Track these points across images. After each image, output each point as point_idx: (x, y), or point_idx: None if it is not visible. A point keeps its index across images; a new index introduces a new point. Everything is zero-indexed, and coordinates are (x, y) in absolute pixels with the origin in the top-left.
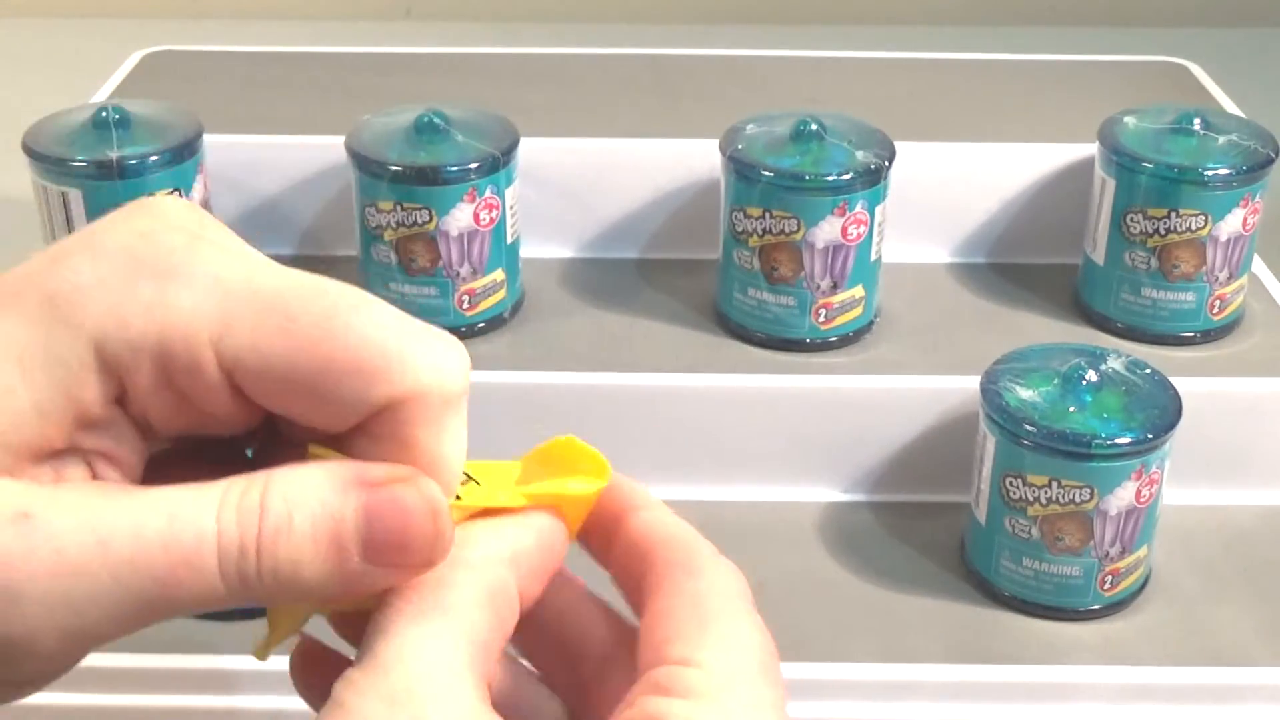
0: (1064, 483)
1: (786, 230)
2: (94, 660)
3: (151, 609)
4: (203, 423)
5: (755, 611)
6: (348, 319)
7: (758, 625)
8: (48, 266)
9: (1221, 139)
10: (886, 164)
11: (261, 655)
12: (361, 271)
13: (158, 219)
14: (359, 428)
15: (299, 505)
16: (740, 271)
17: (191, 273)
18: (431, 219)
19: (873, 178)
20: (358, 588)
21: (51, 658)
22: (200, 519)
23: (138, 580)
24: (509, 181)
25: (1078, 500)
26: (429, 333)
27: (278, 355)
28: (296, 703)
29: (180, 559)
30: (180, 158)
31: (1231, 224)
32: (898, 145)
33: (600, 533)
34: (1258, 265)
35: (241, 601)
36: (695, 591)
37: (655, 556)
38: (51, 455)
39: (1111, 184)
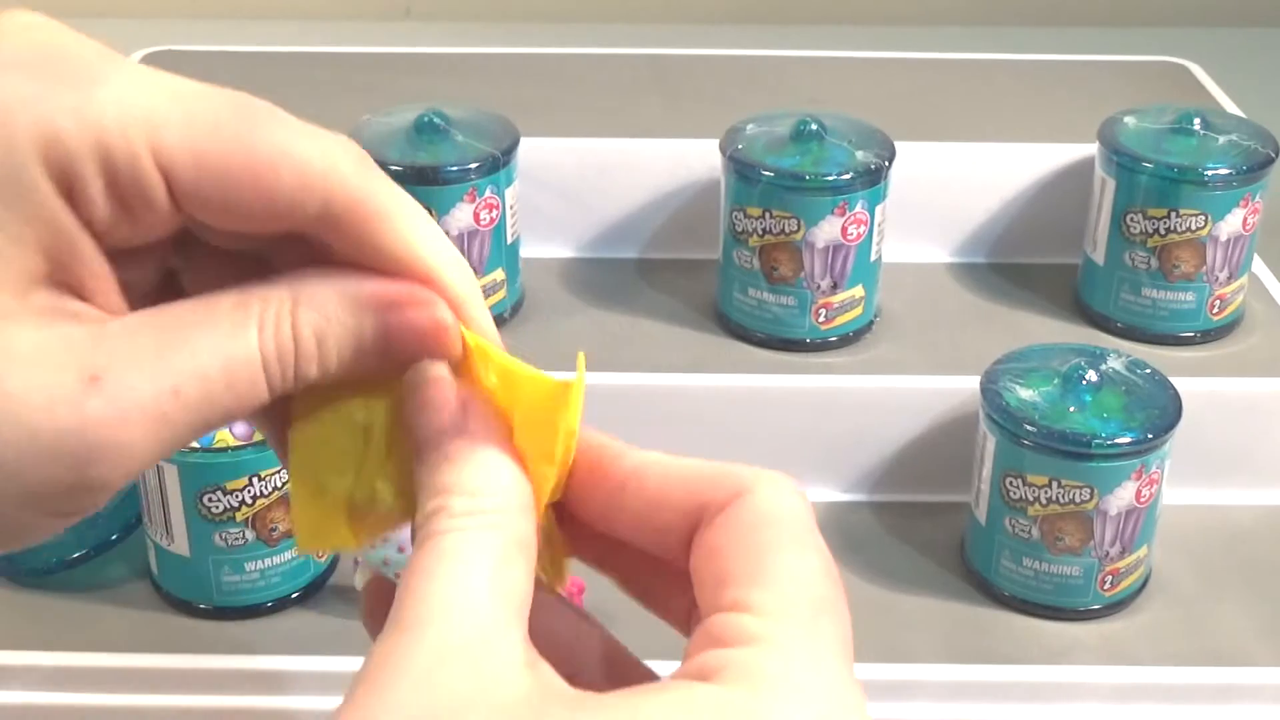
0: (1064, 483)
1: (786, 230)
2: (94, 660)
3: (212, 427)
4: (156, 246)
5: (815, 532)
6: (270, 124)
7: (817, 550)
8: None
9: (1221, 139)
10: (886, 164)
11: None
12: None
13: (50, 31)
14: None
15: (325, 335)
16: (740, 271)
17: (112, 78)
18: (432, 219)
19: (873, 178)
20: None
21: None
22: (250, 357)
23: (207, 415)
24: (509, 181)
25: (1078, 500)
26: (331, 137)
27: (212, 154)
28: (297, 702)
29: (243, 393)
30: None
31: (1231, 224)
32: (898, 145)
33: (601, 493)
34: (1258, 265)
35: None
36: (745, 522)
37: (703, 489)
38: (39, 285)
39: (1111, 184)
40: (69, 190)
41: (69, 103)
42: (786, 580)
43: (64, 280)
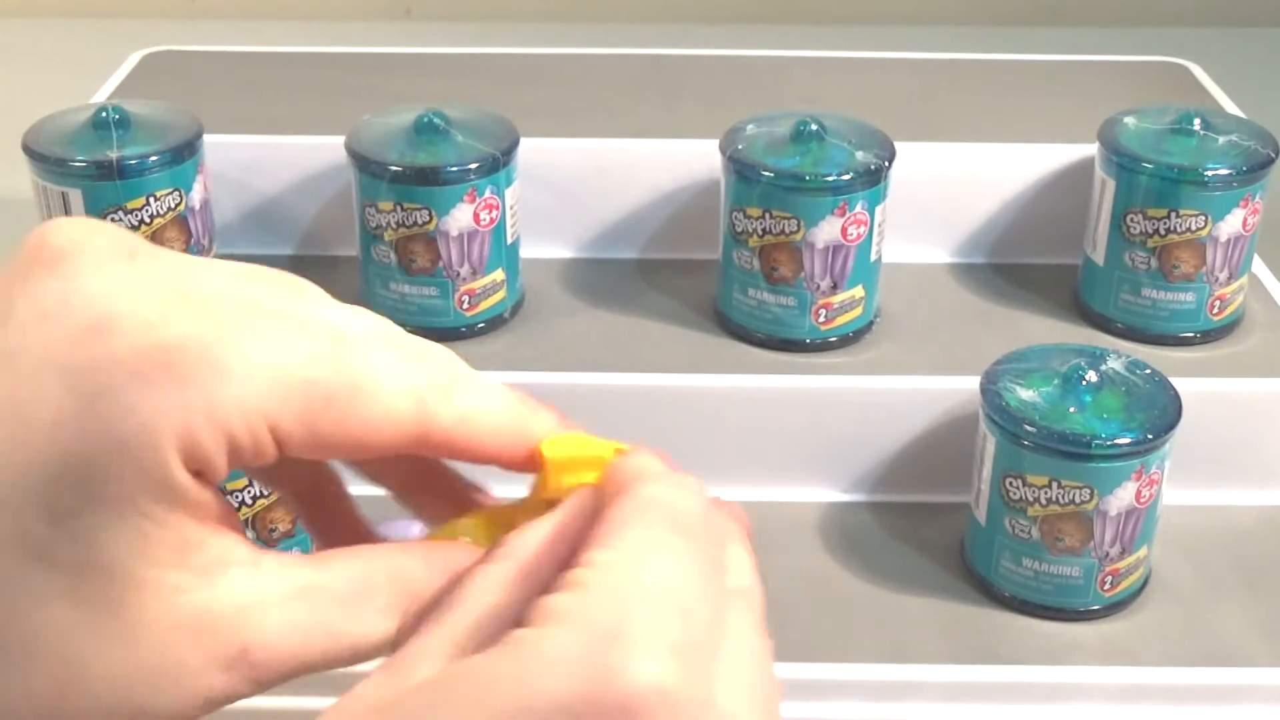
0: (1064, 483)
1: (786, 230)
2: None
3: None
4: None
5: (686, 521)
6: (373, 390)
7: (673, 530)
8: (121, 421)
9: (1221, 139)
10: (886, 164)
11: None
12: (362, 271)
13: (167, 323)
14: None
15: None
16: (740, 272)
17: (232, 370)
18: (431, 219)
19: (873, 178)
20: None
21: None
22: (381, 643)
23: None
24: (509, 181)
25: (1078, 500)
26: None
27: (324, 428)
28: (298, 702)
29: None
30: (180, 158)
31: (1231, 224)
32: (898, 145)
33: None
34: (1258, 265)
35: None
36: (613, 510)
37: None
38: (192, 549)
39: (1111, 184)
40: (201, 472)
41: (205, 400)
42: (632, 539)
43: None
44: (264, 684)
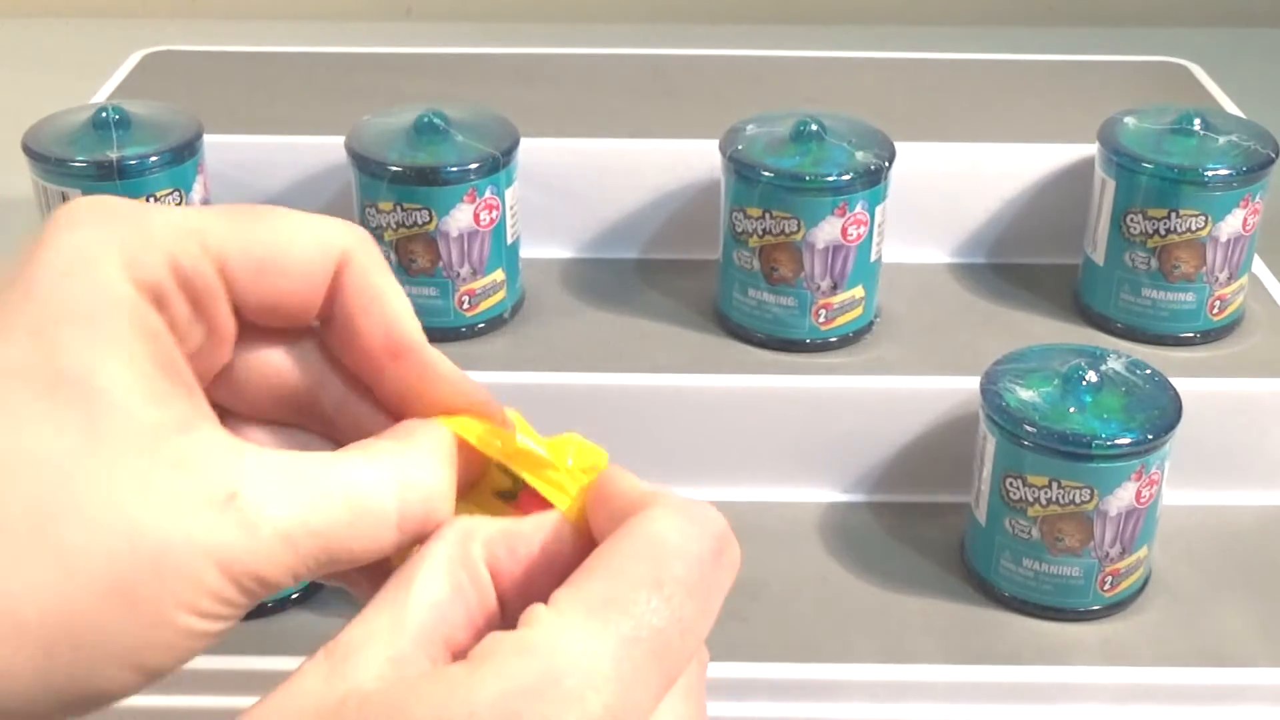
0: (1064, 483)
1: (786, 231)
2: None
3: (333, 568)
4: (208, 348)
5: (686, 559)
6: (284, 213)
7: (659, 570)
8: (58, 251)
9: (1221, 139)
10: (886, 164)
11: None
12: None
13: (96, 196)
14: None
15: (450, 509)
16: (740, 272)
17: (157, 207)
18: (431, 219)
19: (873, 178)
20: None
21: (240, 610)
22: (386, 509)
23: (336, 551)
24: (509, 182)
25: (1078, 501)
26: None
27: (250, 239)
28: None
29: (372, 537)
30: (180, 158)
31: (1231, 224)
32: (898, 145)
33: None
34: (1258, 265)
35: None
36: (618, 535)
37: (620, 513)
38: (171, 396)
39: (1111, 184)
40: (157, 301)
41: (133, 233)
42: (601, 580)
43: (187, 400)
44: (263, 548)
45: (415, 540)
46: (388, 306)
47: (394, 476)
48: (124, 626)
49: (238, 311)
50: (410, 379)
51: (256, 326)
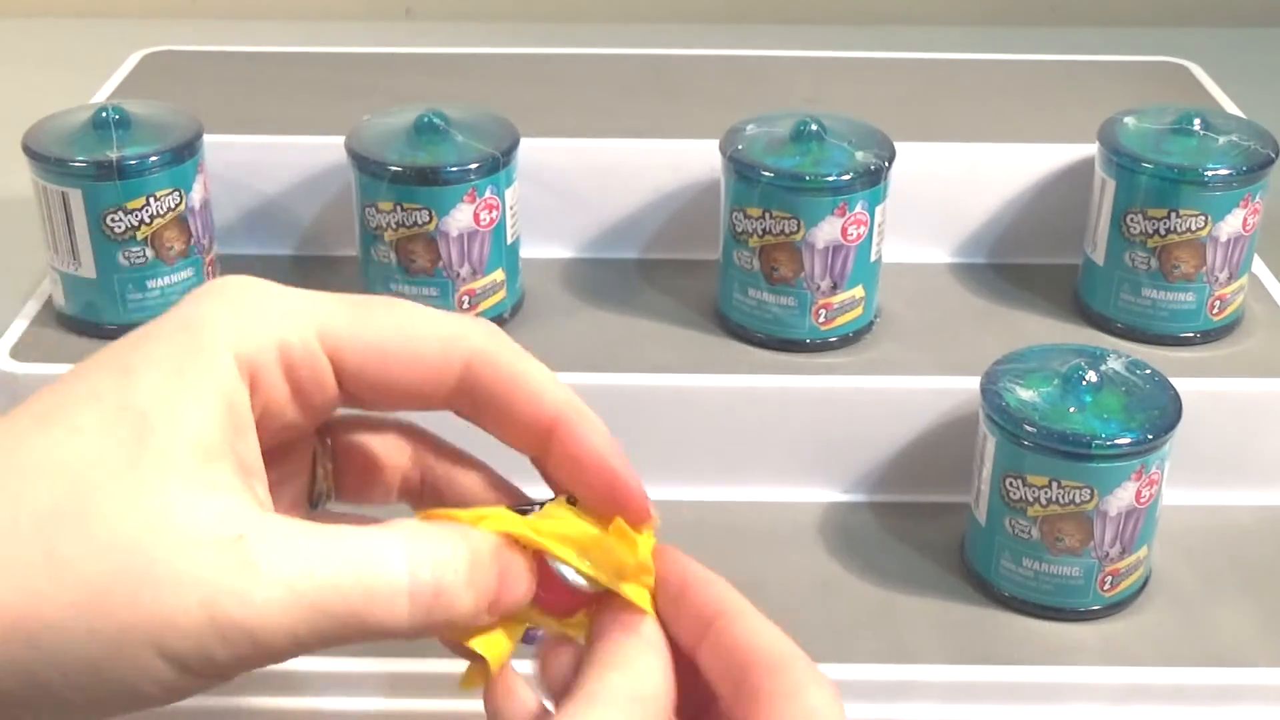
0: (1064, 483)
1: (786, 231)
2: None
3: (340, 635)
4: (311, 423)
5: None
6: (410, 309)
7: None
8: (180, 316)
9: (1221, 139)
10: (886, 164)
11: (469, 686)
12: (362, 272)
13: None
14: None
15: (466, 583)
16: (740, 272)
17: (287, 291)
18: (431, 219)
19: (873, 178)
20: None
21: (227, 670)
22: (394, 572)
23: (338, 613)
24: (509, 181)
25: (1078, 501)
26: (463, 315)
27: (370, 332)
28: (298, 702)
29: (379, 602)
30: (180, 158)
31: (1231, 224)
32: (898, 145)
33: (691, 626)
34: (1258, 265)
35: (407, 635)
36: (803, 706)
37: (756, 667)
38: (217, 460)
39: (1111, 184)
40: (254, 380)
41: (254, 310)
42: None
43: (236, 465)
44: (259, 595)
45: (430, 622)
46: (527, 385)
47: (404, 546)
48: (84, 644)
49: (353, 397)
50: (568, 451)
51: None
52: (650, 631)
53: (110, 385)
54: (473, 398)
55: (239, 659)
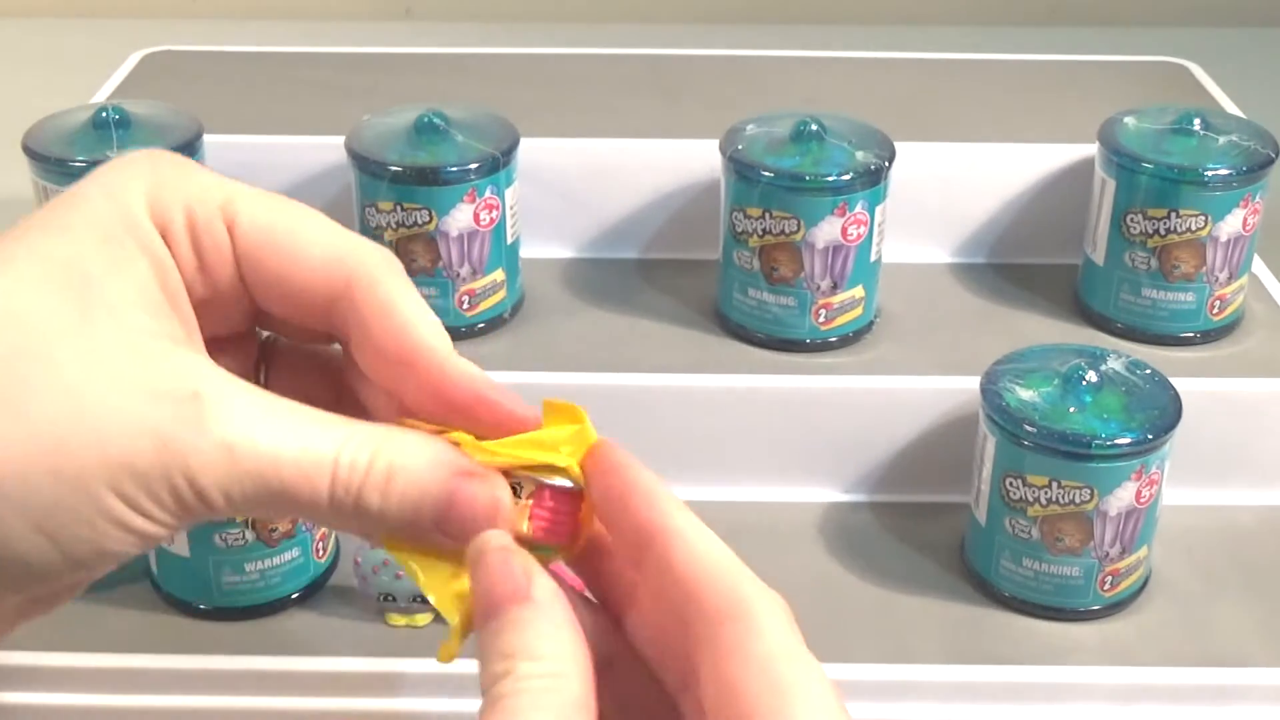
0: (1064, 483)
1: (786, 230)
2: (94, 660)
3: (266, 506)
4: (217, 315)
5: (805, 647)
6: (320, 218)
7: (821, 676)
8: (102, 183)
9: (1221, 139)
10: (886, 164)
11: (446, 658)
12: None
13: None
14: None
15: (398, 472)
16: (740, 272)
17: (201, 167)
18: (431, 219)
19: (873, 178)
20: (418, 537)
21: (169, 519)
22: (324, 457)
23: (271, 483)
24: (509, 181)
25: (1078, 501)
26: (367, 240)
27: (265, 217)
28: (297, 703)
29: (306, 479)
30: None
31: (1231, 224)
32: (898, 145)
33: (632, 540)
34: (1258, 265)
35: (331, 522)
36: (760, 655)
37: (702, 597)
38: (163, 314)
39: (1111, 184)
40: (164, 232)
41: (165, 179)
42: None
43: (182, 325)
44: (208, 450)
45: (355, 508)
46: (398, 315)
47: (346, 429)
48: (47, 486)
49: (245, 282)
50: (428, 387)
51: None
52: (545, 596)
53: (52, 244)
54: (346, 317)
55: (184, 509)
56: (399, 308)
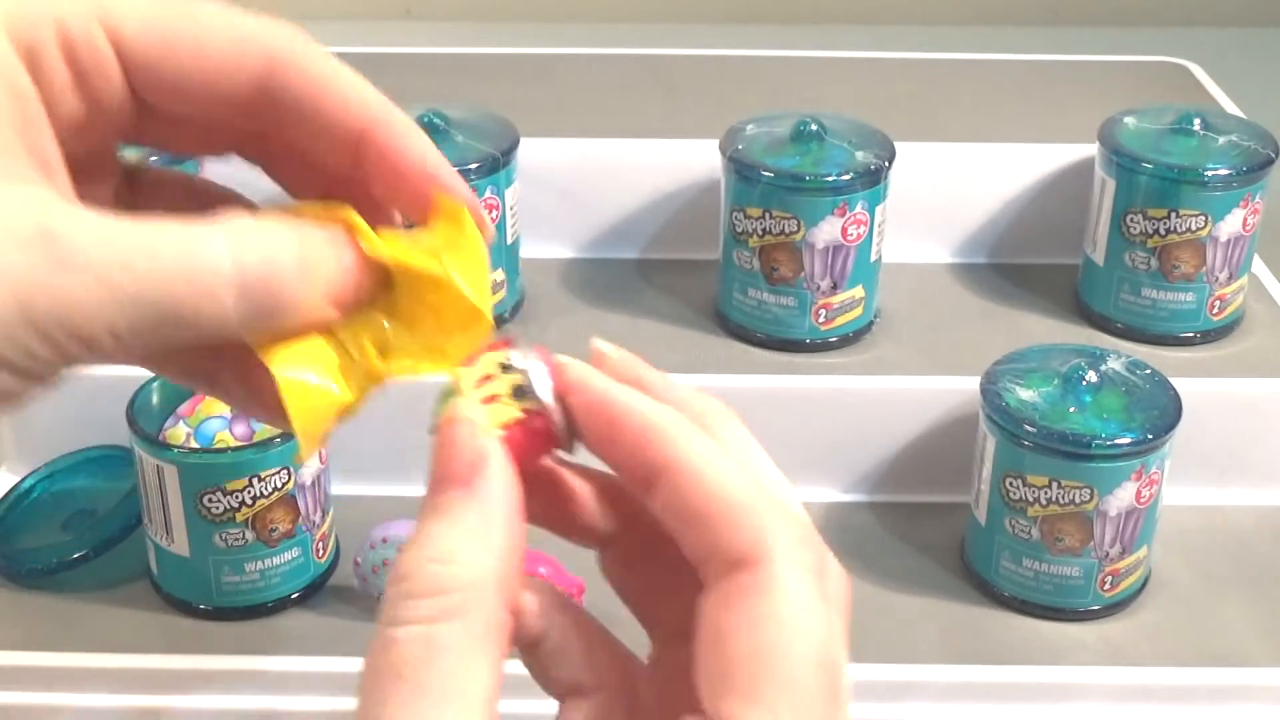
0: (1064, 483)
1: (786, 230)
2: (94, 660)
3: (161, 335)
4: (92, 134)
5: (821, 602)
6: (210, 5)
7: (821, 641)
8: None
9: (1221, 139)
10: (886, 164)
11: (303, 458)
12: None
13: None
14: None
15: (305, 262)
16: (740, 272)
17: None
18: None
19: (873, 178)
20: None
21: (51, 368)
22: (217, 257)
23: (162, 304)
24: (509, 181)
25: (1078, 501)
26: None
27: (158, 20)
28: (297, 702)
29: (204, 290)
30: (180, 159)
31: (1231, 224)
32: (898, 145)
33: (636, 477)
34: (1258, 265)
35: (237, 331)
36: (755, 616)
37: (719, 538)
38: (6, 151)
39: (1111, 184)
40: (32, 62)
41: None
42: (787, 698)
43: (32, 158)
44: (75, 286)
45: (260, 314)
46: (340, 87)
47: (229, 232)
48: None
49: (141, 91)
50: (384, 158)
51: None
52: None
53: None
54: (275, 104)
55: (63, 355)
56: (339, 80)
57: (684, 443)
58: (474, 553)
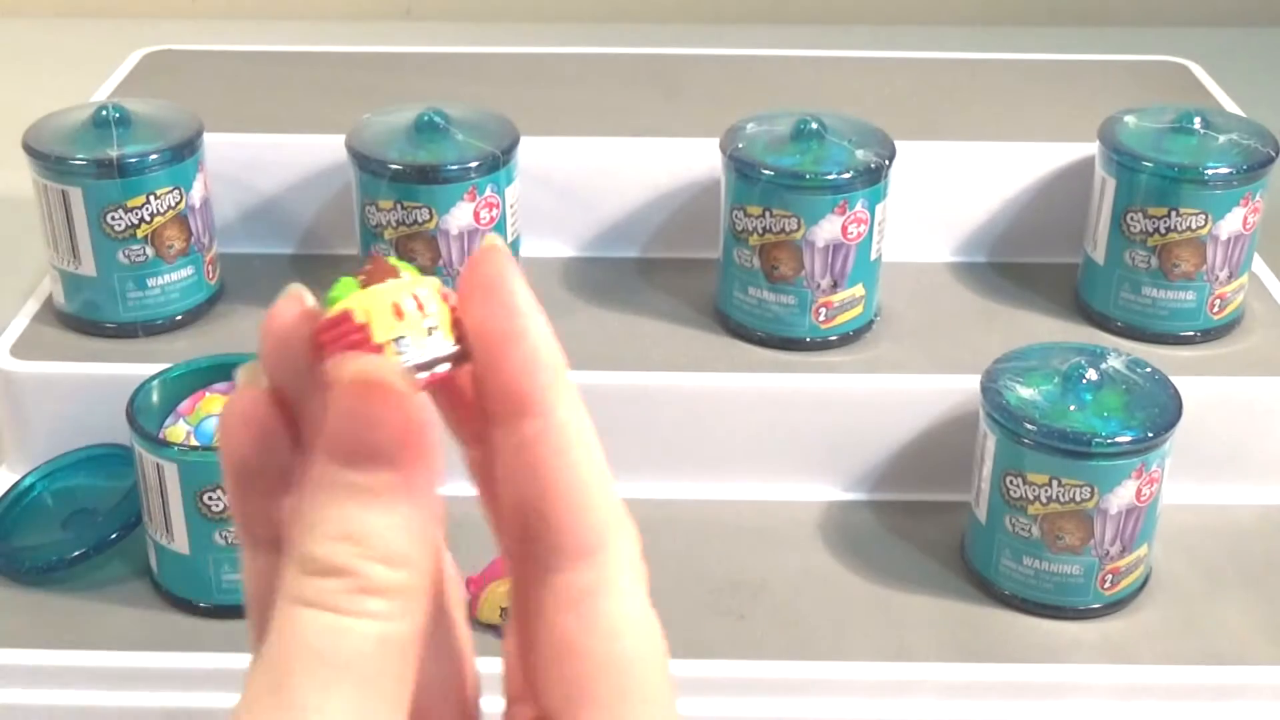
0: (1064, 481)
1: (787, 229)
2: (94, 660)
3: None
4: None
5: (648, 602)
6: None
7: (660, 646)
8: None
9: (1221, 138)
10: (887, 163)
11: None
12: None
13: None
14: None
15: None
16: (740, 270)
17: None
18: (432, 218)
19: (873, 177)
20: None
21: None
22: None
23: None
24: (509, 181)
25: (1078, 499)
26: None
27: None
28: None
29: None
30: (180, 156)
31: (1231, 223)
32: (898, 145)
33: (499, 401)
34: (1258, 265)
35: None
36: (607, 627)
37: (562, 520)
38: None
39: (1112, 183)
40: None
41: None
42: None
43: None
44: None
45: None
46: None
47: None
48: None
49: None
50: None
51: None
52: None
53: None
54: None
55: None
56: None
57: (562, 393)
58: (420, 557)
